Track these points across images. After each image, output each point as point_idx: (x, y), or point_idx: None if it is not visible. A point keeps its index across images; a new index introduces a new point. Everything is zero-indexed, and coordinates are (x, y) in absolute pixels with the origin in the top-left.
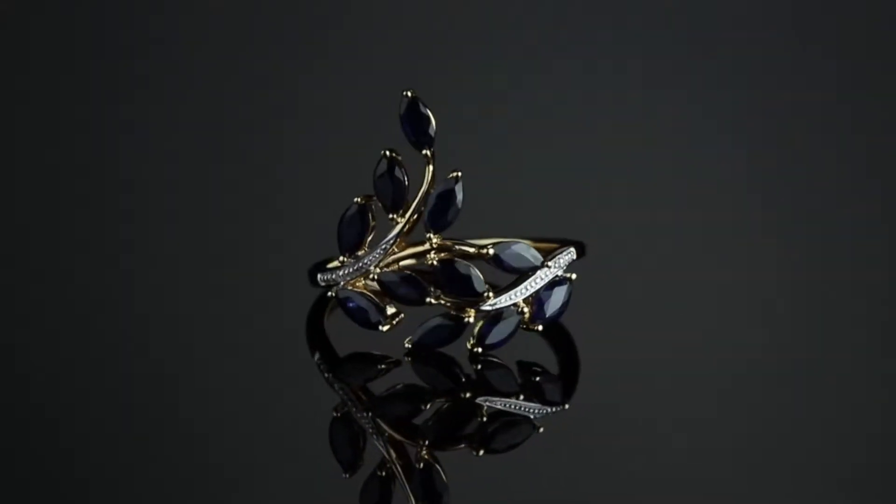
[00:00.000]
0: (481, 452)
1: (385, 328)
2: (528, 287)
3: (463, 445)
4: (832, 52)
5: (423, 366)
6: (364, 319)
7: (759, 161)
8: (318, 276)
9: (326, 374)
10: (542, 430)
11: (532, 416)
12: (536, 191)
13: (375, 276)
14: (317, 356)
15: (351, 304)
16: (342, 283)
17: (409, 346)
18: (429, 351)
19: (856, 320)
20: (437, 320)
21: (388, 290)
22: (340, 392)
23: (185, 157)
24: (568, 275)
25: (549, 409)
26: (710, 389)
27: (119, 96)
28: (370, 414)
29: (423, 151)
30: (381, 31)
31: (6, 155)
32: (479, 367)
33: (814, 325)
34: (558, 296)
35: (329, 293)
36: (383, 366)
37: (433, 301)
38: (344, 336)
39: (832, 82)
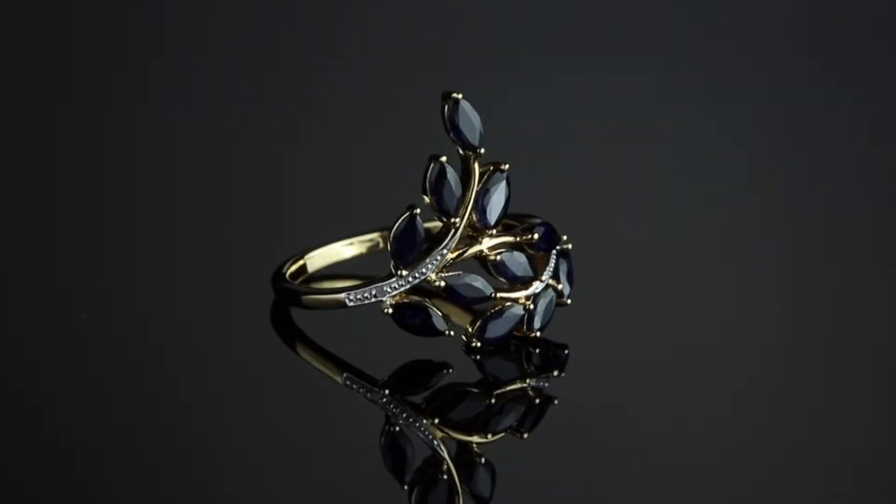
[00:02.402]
0: (526, 435)
1: (452, 333)
2: (552, 262)
3: (507, 432)
4: (832, 53)
5: (486, 360)
6: (429, 328)
7: (758, 160)
8: (347, 295)
9: (368, 392)
10: (557, 401)
11: (543, 389)
12: (532, 189)
13: (441, 283)
14: (344, 376)
15: (411, 314)
16: (387, 298)
17: (479, 343)
18: (494, 345)
19: (855, 322)
20: (504, 313)
21: (455, 293)
22: (392, 406)
23: (183, 156)
24: (566, 246)
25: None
26: (707, 389)
27: (119, 94)
28: (437, 420)
29: (480, 150)
30: (367, 32)
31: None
32: (538, 350)
33: (811, 326)
34: (569, 265)
35: (386, 310)
36: (450, 370)
37: (497, 295)
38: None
39: (831, 84)
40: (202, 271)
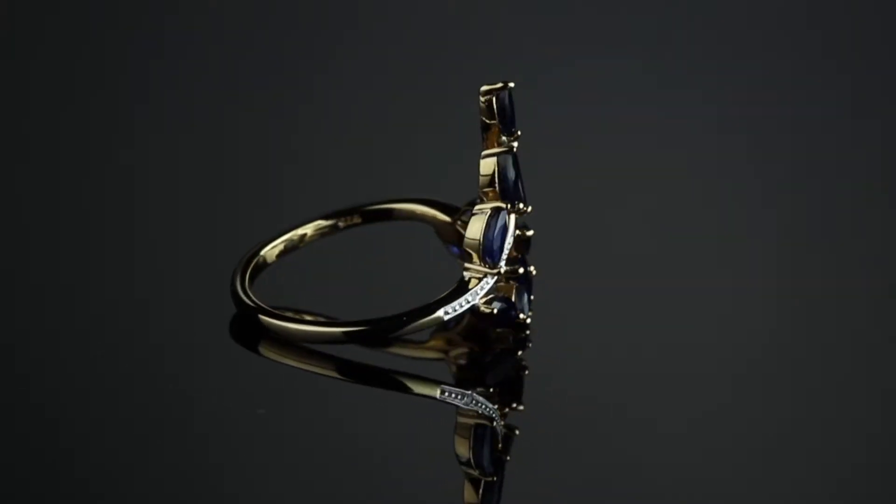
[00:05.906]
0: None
1: (524, 316)
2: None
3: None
4: (835, 48)
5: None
6: (512, 318)
7: (755, 159)
8: (444, 311)
9: (462, 397)
10: (527, 371)
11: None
12: (531, 186)
13: (521, 269)
14: (440, 390)
15: (501, 309)
16: (478, 299)
17: (529, 320)
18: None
19: (852, 321)
20: (526, 284)
21: (523, 277)
22: (482, 406)
23: (183, 156)
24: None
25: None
26: (705, 388)
27: (119, 94)
28: (516, 405)
29: (518, 133)
30: (368, 32)
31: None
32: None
33: (807, 325)
34: None
35: (493, 310)
36: (522, 355)
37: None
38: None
39: (834, 78)
40: (202, 272)
